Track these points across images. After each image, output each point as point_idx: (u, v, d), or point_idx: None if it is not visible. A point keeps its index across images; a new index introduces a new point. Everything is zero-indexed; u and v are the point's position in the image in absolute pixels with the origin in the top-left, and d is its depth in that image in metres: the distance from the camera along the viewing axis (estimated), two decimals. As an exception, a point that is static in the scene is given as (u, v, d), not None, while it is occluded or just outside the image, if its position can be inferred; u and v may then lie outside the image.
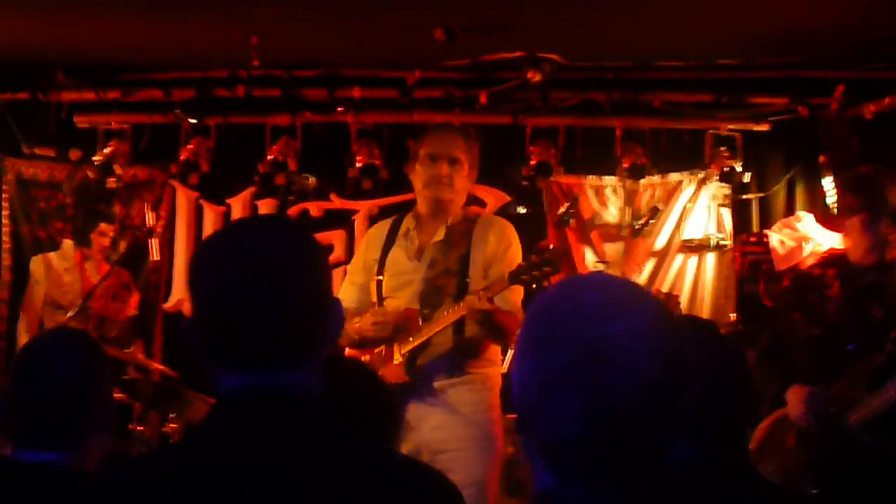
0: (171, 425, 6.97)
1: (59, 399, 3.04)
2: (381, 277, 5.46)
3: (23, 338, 8.33)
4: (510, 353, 7.36)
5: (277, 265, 2.07)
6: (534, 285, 5.07)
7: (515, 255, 5.38)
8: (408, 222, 5.55)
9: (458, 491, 2.10)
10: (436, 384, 5.21)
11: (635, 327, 1.86)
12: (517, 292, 5.22)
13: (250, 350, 2.06)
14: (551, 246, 5.18)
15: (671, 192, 8.68)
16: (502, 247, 5.38)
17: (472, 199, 8.69)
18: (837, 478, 4.89)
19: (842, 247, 7.59)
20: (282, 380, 2.06)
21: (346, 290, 5.63)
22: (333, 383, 2.22)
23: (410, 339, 5.18)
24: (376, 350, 5.29)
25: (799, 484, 4.90)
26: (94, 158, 8.81)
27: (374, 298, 5.47)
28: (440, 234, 5.40)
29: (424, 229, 5.48)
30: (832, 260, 5.64)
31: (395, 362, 5.21)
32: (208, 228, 9.05)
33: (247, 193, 9.01)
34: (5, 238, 9.10)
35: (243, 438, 2.01)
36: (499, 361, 5.46)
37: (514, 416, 1.96)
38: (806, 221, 7.99)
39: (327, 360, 2.19)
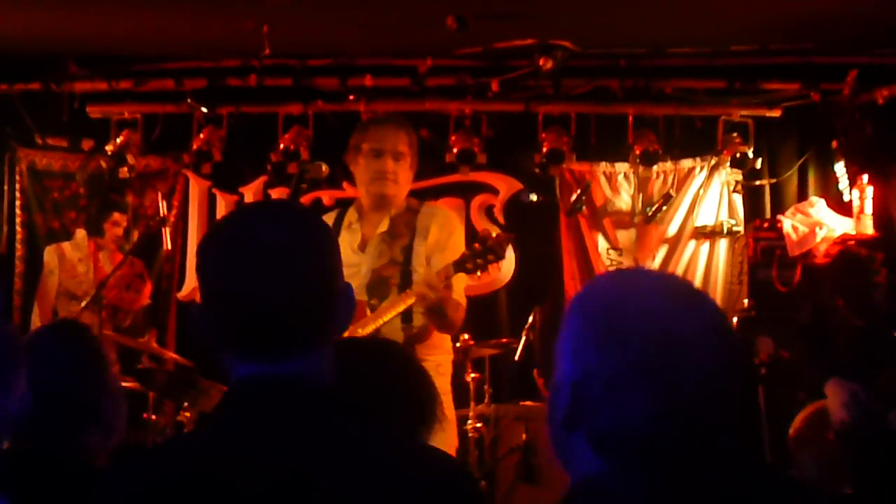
0: (185, 414, 6.97)
1: (48, 399, 2.99)
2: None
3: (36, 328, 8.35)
4: (523, 341, 7.39)
5: (289, 250, 2.06)
6: (478, 273, 5.15)
7: (458, 243, 5.41)
8: (350, 215, 5.56)
9: (475, 479, 2.10)
10: None
11: (705, 325, 1.90)
12: (461, 280, 5.26)
13: (263, 337, 2.04)
14: (494, 234, 5.15)
15: (683, 179, 8.67)
16: (444, 235, 5.39)
17: (485, 187, 8.74)
18: (876, 479, 4.82)
19: (854, 232, 7.60)
20: (294, 367, 2.05)
21: None
22: (362, 366, 2.20)
23: (360, 330, 5.14)
24: None
25: (835, 481, 4.85)
26: (106, 148, 8.83)
27: None
28: (384, 226, 5.42)
29: (367, 221, 5.50)
30: (876, 243, 5.53)
31: None
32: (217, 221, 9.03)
33: (259, 182, 9.02)
34: (19, 228, 9.12)
35: (258, 427, 2.00)
36: (449, 349, 5.52)
37: (555, 406, 1.96)
38: (819, 207, 7.98)
39: (355, 343, 2.18)
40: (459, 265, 5.04)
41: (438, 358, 5.35)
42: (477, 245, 5.06)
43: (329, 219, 5.60)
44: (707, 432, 1.87)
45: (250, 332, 2.05)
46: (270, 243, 2.05)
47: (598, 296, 1.97)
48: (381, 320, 5.15)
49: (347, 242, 5.44)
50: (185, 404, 6.95)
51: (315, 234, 2.15)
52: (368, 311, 5.23)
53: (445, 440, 5.11)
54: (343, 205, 5.79)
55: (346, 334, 5.03)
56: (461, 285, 5.28)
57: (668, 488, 1.87)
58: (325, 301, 2.09)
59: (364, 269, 5.37)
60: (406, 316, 5.23)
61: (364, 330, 5.14)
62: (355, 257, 5.40)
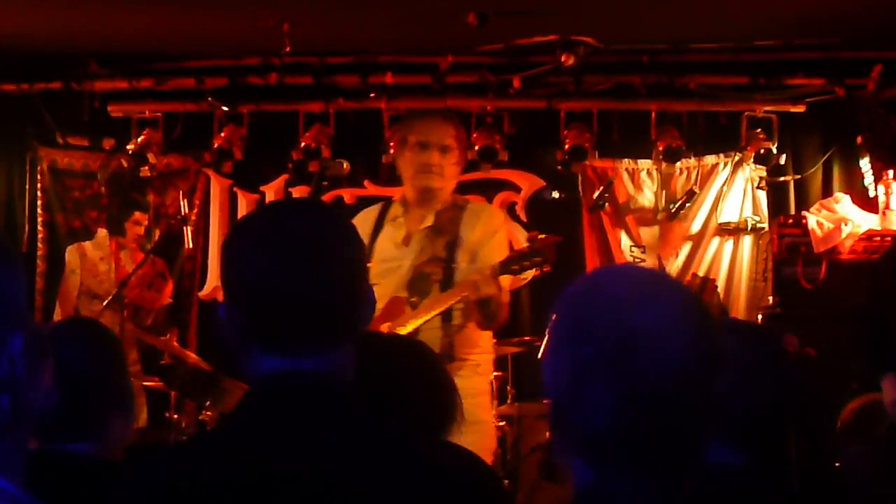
0: (207, 413, 6.97)
1: (73, 390, 3.00)
2: (369, 265, 5.38)
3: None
4: (545, 339, 7.35)
5: (319, 246, 2.06)
6: (522, 275, 5.12)
7: (502, 241, 5.33)
8: (395, 209, 5.44)
9: (498, 477, 2.08)
10: None
11: (665, 315, 1.85)
12: (505, 279, 5.15)
13: (290, 332, 2.04)
14: (541, 236, 5.06)
15: (707, 175, 8.63)
16: (488, 233, 5.27)
17: (507, 185, 8.71)
18: None
19: (879, 228, 7.54)
20: (319, 363, 2.04)
21: None
22: (384, 363, 2.19)
23: (399, 327, 5.07)
24: None
25: (885, 477, 4.77)
26: (127, 147, 8.85)
27: None
28: (428, 221, 5.30)
29: (412, 216, 5.37)
30: None
31: None
32: (242, 216, 9.04)
33: (280, 181, 9.01)
34: (40, 228, 9.15)
35: (283, 423, 2.00)
36: (490, 349, 5.43)
37: (549, 410, 1.94)
38: (844, 202, 7.93)
39: (377, 338, 2.17)
40: (505, 266, 4.96)
41: (478, 357, 5.28)
42: (525, 247, 4.99)
43: (372, 212, 5.52)
44: (677, 423, 1.83)
45: (277, 326, 2.04)
46: (300, 239, 2.05)
47: (568, 295, 1.95)
48: (424, 318, 5.08)
49: (390, 236, 5.36)
50: (207, 403, 6.95)
51: (344, 231, 2.15)
52: (408, 309, 5.17)
53: (482, 441, 5.04)
54: (379, 200, 5.68)
55: (386, 331, 5.05)
56: (506, 283, 5.18)
57: (652, 491, 1.83)
58: (351, 298, 2.09)
59: (406, 264, 5.28)
60: (446, 314, 5.15)
61: (405, 328, 5.06)
62: (397, 252, 5.32)
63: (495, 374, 7.20)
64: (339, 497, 1.93)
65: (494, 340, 6.37)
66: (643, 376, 1.79)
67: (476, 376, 5.23)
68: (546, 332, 1.95)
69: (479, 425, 5.05)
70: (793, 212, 8.37)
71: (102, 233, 8.52)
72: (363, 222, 5.49)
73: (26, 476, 2.24)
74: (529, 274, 5.18)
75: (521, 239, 5.32)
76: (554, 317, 1.94)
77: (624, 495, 1.84)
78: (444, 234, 5.27)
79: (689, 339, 1.83)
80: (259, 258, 2.05)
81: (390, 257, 5.31)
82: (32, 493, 1.97)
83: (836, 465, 4.02)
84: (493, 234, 5.29)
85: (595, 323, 1.86)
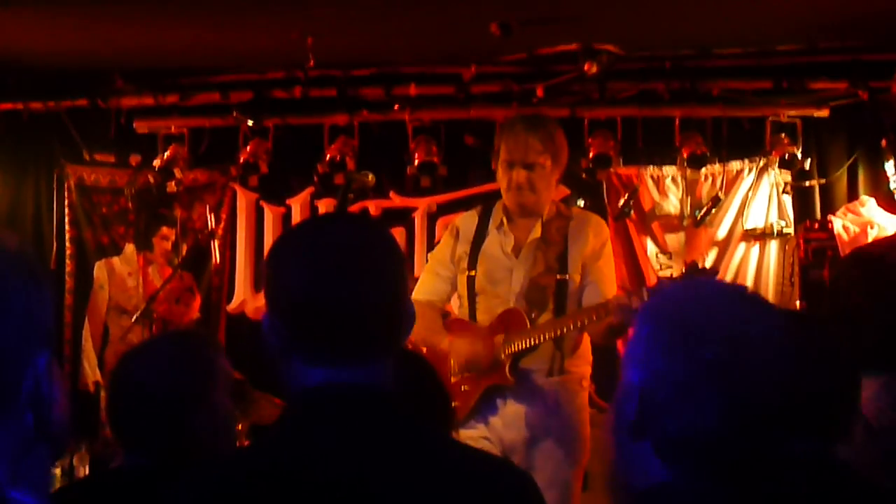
0: (237, 426, 6.99)
1: (158, 407, 3.00)
2: (473, 272, 5.34)
3: (87, 343, 8.41)
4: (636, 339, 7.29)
5: (364, 260, 2.07)
6: None
7: (610, 254, 5.34)
8: (498, 214, 5.37)
9: (536, 485, 2.10)
10: (535, 382, 5.13)
11: (774, 328, 1.92)
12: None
13: (336, 344, 2.05)
14: (702, 266, 4.98)
15: (732, 181, 8.61)
16: (598, 243, 5.25)
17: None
18: None
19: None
20: (363, 375, 2.06)
21: (427, 280, 5.55)
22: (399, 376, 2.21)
23: (517, 341, 5.06)
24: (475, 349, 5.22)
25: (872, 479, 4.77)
26: (154, 163, 8.88)
27: (464, 293, 5.36)
28: (537, 232, 5.25)
29: (518, 225, 5.32)
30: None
31: (500, 363, 5.12)
32: (269, 230, 9.09)
33: (306, 193, 9.04)
34: (68, 244, 9.19)
35: (328, 433, 2.01)
36: (590, 359, 5.34)
37: (623, 413, 1.96)
38: (870, 206, 7.91)
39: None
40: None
41: (583, 369, 5.26)
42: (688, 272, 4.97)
43: (472, 217, 5.48)
44: (773, 433, 1.88)
45: (321, 339, 2.06)
46: (345, 253, 2.07)
47: (668, 303, 2.00)
48: (547, 335, 5.05)
49: (499, 244, 5.31)
50: (237, 415, 6.97)
51: (389, 244, 2.17)
52: (528, 322, 5.11)
53: (578, 459, 5.11)
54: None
55: (504, 344, 5.05)
56: (608, 293, 5.15)
57: (738, 493, 1.87)
58: (394, 313, 2.11)
59: (518, 275, 5.23)
60: None
61: (527, 342, 5.05)
62: (508, 262, 5.28)
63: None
64: None
65: None
66: (752, 384, 1.86)
67: (581, 391, 5.22)
68: (630, 339, 1.98)
69: (585, 443, 5.14)
70: (819, 216, 8.34)
71: (130, 248, 8.58)
72: (465, 227, 5.49)
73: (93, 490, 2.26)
74: None
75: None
76: (648, 321, 1.98)
77: (704, 494, 1.89)
78: (553, 246, 5.22)
79: (792, 353, 1.91)
80: (304, 272, 2.06)
81: (500, 266, 5.29)
82: None
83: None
84: (603, 247, 5.27)
85: (704, 333, 1.90)
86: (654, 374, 1.92)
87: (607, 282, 5.21)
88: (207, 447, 3.05)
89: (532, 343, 5.05)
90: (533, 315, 5.13)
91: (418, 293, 5.45)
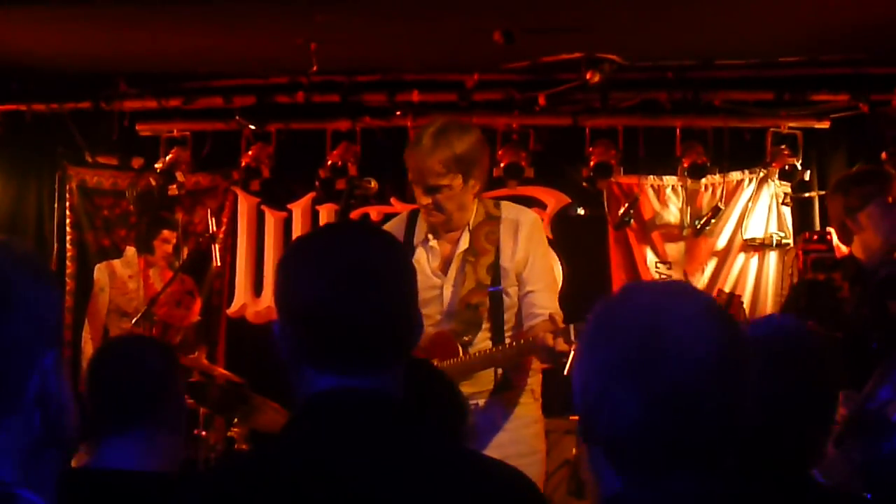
0: (235, 430, 7.01)
1: (138, 394, 3.14)
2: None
3: (87, 345, 8.41)
4: (572, 355, 7.36)
5: (377, 269, 2.10)
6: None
7: (546, 257, 4.98)
8: (422, 227, 4.94)
9: (544, 496, 2.12)
10: (484, 401, 4.82)
11: (687, 315, 1.87)
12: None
13: (348, 352, 2.07)
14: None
15: (732, 191, 8.64)
16: (533, 244, 4.84)
17: (533, 201, 8.72)
18: (888, 480, 4.77)
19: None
20: (374, 383, 2.07)
21: None
22: (410, 384, 2.23)
23: (447, 363, 4.69)
24: None
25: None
26: (156, 166, 8.90)
27: None
28: (464, 243, 4.84)
29: (443, 237, 4.89)
30: (833, 264, 5.54)
31: None
32: (269, 234, 9.11)
33: (307, 199, 9.06)
34: (69, 246, 9.21)
35: (337, 439, 2.02)
36: (539, 369, 5.00)
37: (578, 419, 1.96)
38: (868, 218, 7.92)
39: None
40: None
41: (530, 381, 4.91)
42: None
43: (397, 229, 4.93)
44: (704, 424, 1.84)
45: (332, 347, 2.07)
46: (359, 261, 2.09)
47: (597, 305, 1.98)
48: (485, 366, 4.76)
49: (426, 260, 4.86)
50: (236, 420, 6.99)
51: (399, 254, 2.21)
52: (460, 348, 4.77)
53: (537, 473, 4.75)
54: (410, 213, 5.09)
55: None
56: (553, 302, 4.81)
57: (677, 496, 1.85)
58: (403, 321, 2.13)
59: (447, 293, 4.83)
60: (497, 336, 4.82)
61: (454, 367, 4.67)
62: (436, 280, 4.85)
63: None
64: None
65: None
66: (666, 375, 1.81)
67: (534, 402, 4.91)
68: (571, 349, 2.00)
69: (536, 455, 4.84)
70: (818, 227, 8.36)
71: (131, 251, 8.58)
72: None
73: (75, 494, 2.28)
74: None
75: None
76: (584, 330, 1.97)
77: (650, 502, 1.86)
78: (483, 256, 4.82)
79: (711, 341, 1.85)
80: (315, 280, 2.08)
81: (428, 285, 4.80)
82: None
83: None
84: (537, 247, 4.86)
85: (620, 327, 1.89)
86: (584, 372, 1.91)
87: (545, 290, 4.81)
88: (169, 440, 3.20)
89: (461, 368, 4.71)
90: (466, 338, 4.79)
91: None
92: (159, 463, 3.11)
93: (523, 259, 4.81)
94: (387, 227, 5.08)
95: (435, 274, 4.86)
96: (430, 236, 4.90)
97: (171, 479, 3.06)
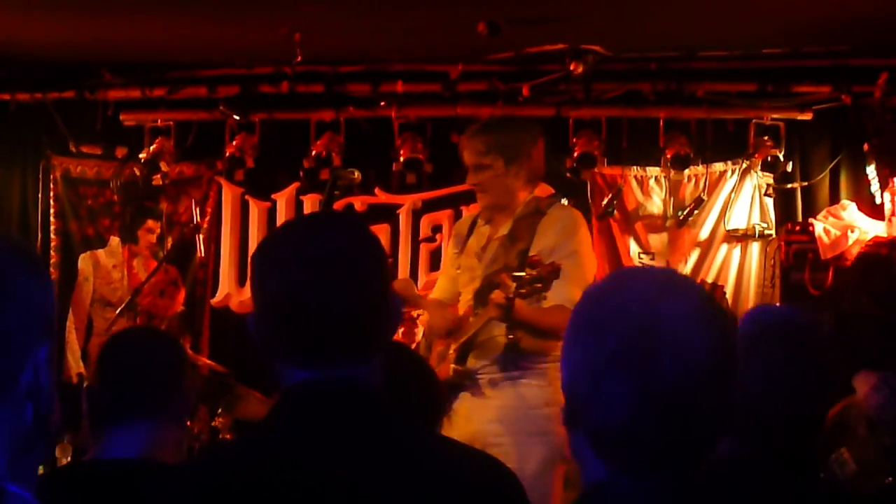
0: (220, 420, 7.02)
1: (148, 386, 3.16)
2: (458, 270, 5.40)
3: (71, 335, 8.40)
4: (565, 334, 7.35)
5: (351, 260, 2.09)
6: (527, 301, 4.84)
7: (579, 246, 5.13)
8: (483, 215, 5.40)
9: (521, 484, 2.13)
10: (490, 378, 5.08)
11: (682, 312, 1.86)
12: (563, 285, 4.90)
13: (323, 344, 2.06)
14: (544, 262, 4.73)
15: (715, 182, 8.66)
16: (564, 239, 5.09)
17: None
18: None
19: (886, 235, 7.57)
20: (351, 374, 2.07)
21: (440, 280, 5.67)
22: (388, 370, 2.25)
23: (459, 337, 5.09)
24: (437, 348, 5.28)
25: (875, 473, 4.80)
26: (140, 156, 8.89)
27: (456, 291, 5.40)
28: (505, 229, 5.21)
29: (496, 222, 5.29)
30: (891, 242, 5.53)
31: (447, 358, 5.14)
32: (254, 224, 9.11)
33: (291, 189, 9.06)
34: (53, 236, 9.20)
35: (317, 432, 2.03)
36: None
37: (563, 406, 1.96)
38: (851, 210, 7.96)
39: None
40: (516, 290, 4.75)
41: (547, 367, 5.03)
42: (527, 272, 4.73)
43: (468, 218, 5.60)
44: (693, 421, 1.84)
45: (311, 339, 2.07)
46: (333, 253, 2.08)
47: (585, 295, 1.98)
48: (473, 328, 5.04)
49: (474, 244, 5.33)
50: (220, 410, 6.99)
51: (372, 245, 2.18)
52: (472, 320, 5.09)
53: (552, 453, 4.92)
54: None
55: (453, 343, 5.03)
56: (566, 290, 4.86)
57: (662, 487, 1.85)
58: (379, 311, 2.12)
59: (480, 273, 5.21)
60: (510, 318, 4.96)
61: (462, 337, 5.07)
62: (475, 261, 5.27)
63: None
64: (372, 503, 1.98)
65: None
66: (659, 371, 1.81)
67: (548, 386, 5.00)
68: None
69: (547, 437, 4.92)
70: (800, 219, 8.39)
71: (115, 241, 8.58)
72: (460, 228, 5.60)
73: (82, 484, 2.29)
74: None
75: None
76: (572, 315, 1.96)
77: (634, 492, 1.86)
78: (518, 242, 5.14)
79: (707, 336, 1.85)
80: (288, 273, 2.07)
81: (470, 266, 5.29)
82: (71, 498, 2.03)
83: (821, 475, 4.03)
84: (569, 243, 5.09)
85: (615, 317, 1.87)
86: (573, 365, 1.91)
87: (569, 281, 4.87)
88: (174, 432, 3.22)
89: (465, 338, 5.06)
90: (478, 312, 5.07)
91: (433, 292, 5.60)
92: (165, 456, 3.12)
93: (550, 248, 5.03)
94: (460, 220, 5.82)
95: (477, 255, 5.25)
96: (480, 221, 5.32)
97: (171, 468, 3.07)
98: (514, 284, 4.71)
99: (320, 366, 2.07)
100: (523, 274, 4.72)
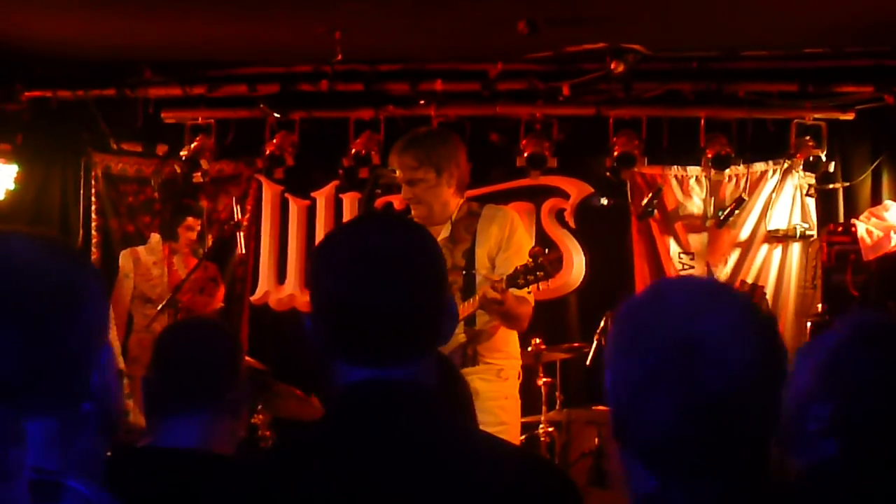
0: (258, 417, 7.03)
1: (206, 377, 3.20)
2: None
3: (112, 332, 8.44)
4: (594, 345, 7.38)
5: (408, 260, 2.10)
6: (528, 290, 5.17)
7: (521, 242, 5.45)
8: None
9: (576, 486, 2.13)
10: None
11: (725, 323, 1.85)
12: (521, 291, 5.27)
13: (379, 344, 2.08)
14: (546, 251, 5.12)
15: (756, 182, 8.62)
16: (505, 235, 5.40)
17: (556, 191, 8.73)
18: None
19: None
20: (406, 373, 2.08)
21: None
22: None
23: None
24: None
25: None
26: (180, 153, 8.94)
27: None
28: (445, 232, 5.41)
29: (430, 230, 5.41)
30: None
31: None
32: (293, 222, 9.14)
33: (331, 187, 9.09)
34: (94, 233, 9.25)
35: (371, 430, 2.04)
36: (516, 354, 5.53)
37: (609, 419, 1.96)
38: (893, 210, 7.90)
39: None
40: (511, 280, 5.05)
41: (501, 362, 5.40)
42: (529, 262, 5.06)
43: None
44: (740, 430, 1.84)
45: (363, 339, 2.08)
46: (386, 254, 2.09)
47: (628, 304, 1.96)
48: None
49: None
50: (259, 407, 7.01)
51: (429, 246, 2.19)
52: None
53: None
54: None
55: None
56: (519, 293, 5.26)
57: (713, 496, 1.84)
58: (434, 312, 2.13)
59: None
60: (469, 319, 5.29)
61: None
62: None
63: (545, 380, 7.29)
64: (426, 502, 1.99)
65: (534, 346, 6.83)
66: (704, 385, 1.80)
67: (498, 381, 5.37)
68: (594, 339, 1.98)
69: (503, 427, 5.21)
70: (842, 219, 8.34)
71: (155, 238, 8.61)
72: None
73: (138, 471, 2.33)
74: (531, 288, 5.20)
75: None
76: (613, 326, 1.96)
77: (685, 502, 1.86)
78: (460, 243, 5.41)
79: (750, 346, 1.84)
80: (345, 273, 2.08)
81: None
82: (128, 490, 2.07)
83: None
84: (511, 236, 5.42)
85: (655, 332, 1.87)
86: (616, 378, 1.91)
87: (508, 265, 5.25)
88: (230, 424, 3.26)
89: None
90: None
91: None
92: (219, 446, 3.15)
93: (494, 244, 5.38)
94: None
95: None
96: None
97: (232, 461, 3.09)
98: (505, 280, 5.03)
99: (374, 364, 2.08)
100: (528, 263, 5.05)
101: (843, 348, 2.55)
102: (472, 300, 5.18)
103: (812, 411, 2.48)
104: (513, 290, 5.09)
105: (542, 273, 5.02)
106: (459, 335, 5.25)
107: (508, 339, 5.48)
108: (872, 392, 2.50)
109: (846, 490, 2.48)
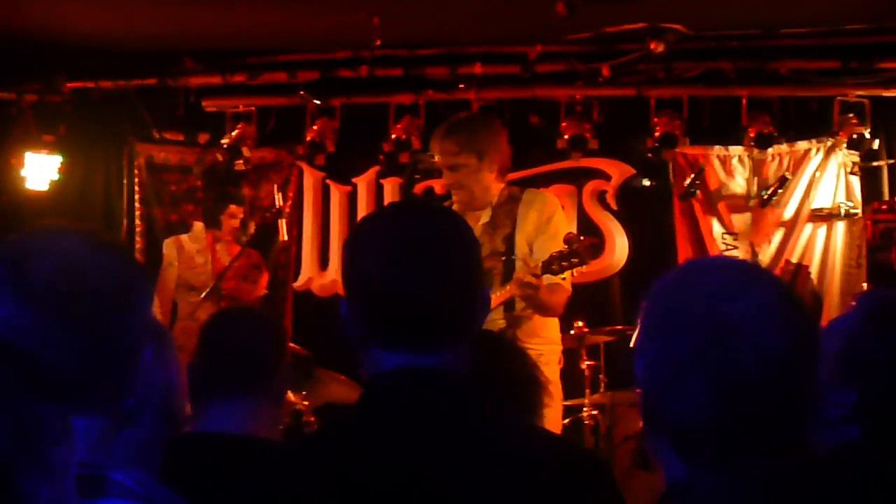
0: (303, 403, 7.06)
1: (251, 363, 3.25)
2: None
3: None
4: (637, 328, 7.35)
5: (439, 247, 2.10)
6: (562, 276, 5.15)
7: (559, 226, 5.47)
8: (456, 209, 5.50)
9: (614, 475, 2.13)
10: None
11: (760, 303, 1.83)
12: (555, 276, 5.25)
13: (415, 330, 2.08)
14: (581, 237, 5.13)
15: (799, 161, 8.55)
16: (543, 220, 5.45)
17: (597, 173, 8.70)
18: None
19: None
20: (441, 360, 2.08)
21: None
22: (485, 359, 2.24)
23: None
24: None
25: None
26: (222, 141, 8.99)
27: None
28: (485, 217, 5.47)
29: (470, 217, 5.36)
30: None
31: None
32: (335, 208, 9.17)
33: (372, 172, 9.10)
34: (138, 222, 9.31)
35: (406, 417, 2.04)
36: (556, 339, 5.56)
37: (640, 403, 1.94)
38: (939, 187, 7.84)
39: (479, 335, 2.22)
40: (546, 266, 5.05)
41: (540, 347, 5.39)
42: (565, 248, 5.05)
43: None
44: (776, 412, 1.82)
45: (398, 325, 2.08)
46: (421, 240, 2.10)
47: (658, 286, 1.95)
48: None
49: None
50: (303, 393, 7.03)
51: (463, 233, 2.20)
52: None
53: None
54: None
55: None
56: (554, 279, 5.24)
57: (744, 480, 1.82)
58: (469, 299, 2.13)
59: None
60: (508, 304, 5.31)
61: None
62: None
63: (588, 363, 7.28)
64: (462, 492, 1.99)
65: (577, 329, 6.89)
66: (736, 368, 1.79)
67: (540, 366, 5.30)
68: (637, 323, 1.95)
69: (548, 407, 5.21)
70: (886, 197, 8.27)
71: (199, 226, 8.65)
72: None
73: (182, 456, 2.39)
74: (567, 274, 5.17)
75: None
76: (644, 309, 1.94)
77: (718, 489, 1.84)
78: (501, 228, 5.46)
79: (783, 328, 1.82)
80: (380, 259, 2.09)
81: None
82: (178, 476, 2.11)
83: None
84: (549, 221, 5.46)
85: (687, 315, 1.85)
86: (648, 362, 1.89)
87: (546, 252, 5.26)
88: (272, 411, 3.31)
89: None
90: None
91: None
92: (262, 432, 3.19)
93: (533, 229, 5.45)
94: None
95: None
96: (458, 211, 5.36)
97: (276, 445, 3.12)
98: (540, 266, 5.03)
99: (410, 351, 2.08)
100: (563, 249, 5.05)
101: (857, 333, 2.53)
102: (505, 288, 5.21)
103: (830, 398, 2.46)
104: (548, 277, 5.08)
105: (577, 259, 5.02)
106: (499, 320, 5.28)
107: (548, 324, 5.50)
108: (891, 376, 2.48)
109: (872, 471, 2.46)
